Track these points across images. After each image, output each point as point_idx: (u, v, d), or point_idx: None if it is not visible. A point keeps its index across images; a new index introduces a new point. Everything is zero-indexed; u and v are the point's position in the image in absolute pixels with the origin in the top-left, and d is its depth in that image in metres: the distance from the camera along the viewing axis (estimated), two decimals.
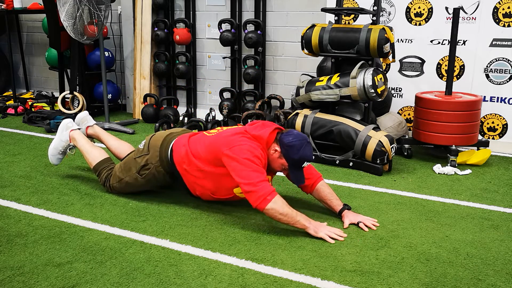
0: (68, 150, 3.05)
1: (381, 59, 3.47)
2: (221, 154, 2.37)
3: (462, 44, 3.86)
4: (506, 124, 3.87)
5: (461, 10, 3.56)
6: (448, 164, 3.41)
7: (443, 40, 3.92)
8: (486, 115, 3.90)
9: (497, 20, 3.73)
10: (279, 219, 2.28)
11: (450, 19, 3.81)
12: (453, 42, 3.49)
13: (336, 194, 2.60)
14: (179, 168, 2.58)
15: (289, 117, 3.67)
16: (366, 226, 2.42)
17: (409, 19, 4.01)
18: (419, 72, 4.07)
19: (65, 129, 3.04)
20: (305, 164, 2.41)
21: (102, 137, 3.13)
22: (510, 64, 3.76)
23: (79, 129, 3.08)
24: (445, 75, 3.95)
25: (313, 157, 2.45)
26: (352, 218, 2.47)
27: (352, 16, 4.23)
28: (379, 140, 3.24)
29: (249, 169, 2.29)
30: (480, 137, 3.86)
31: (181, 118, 4.78)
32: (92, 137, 3.14)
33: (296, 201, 2.79)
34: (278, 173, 3.18)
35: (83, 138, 3.01)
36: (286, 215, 2.26)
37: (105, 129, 4.42)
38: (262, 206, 2.25)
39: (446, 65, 3.91)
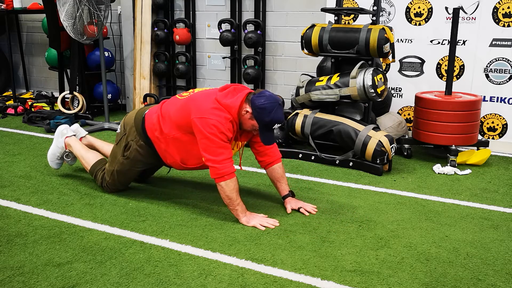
0: (64, 156, 3.09)
1: (381, 59, 3.47)
2: (190, 119, 2.43)
3: (462, 44, 3.86)
4: (506, 124, 3.87)
5: (461, 10, 3.56)
6: (448, 164, 3.41)
7: (443, 40, 3.92)
8: (486, 115, 3.90)
9: (497, 20, 3.73)
10: (223, 198, 2.44)
11: (450, 19, 3.81)
12: (453, 42, 3.49)
13: (286, 180, 2.71)
14: (151, 135, 2.61)
15: (289, 117, 3.68)
16: (306, 211, 2.60)
17: (409, 19, 4.01)
18: (419, 72, 4.07)
19: (60, 136, 3.07)
20: (276, 126, 2.44)
21: (96, 146, 3.16)
22: (510, 64, 3.76)
23: (74, 135, 3.11)
24: (445, 75, 3.95)
25: (284, 119, 2.51)
26: (293, 204, 2.64)
27: (352, 16, 4.23)
28: (379, 140, 3.24)
29: (214, 146, 2.37)
30: (480, 137, 3.86)
31: None
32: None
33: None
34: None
35: (78, 144, 3.04)
36: (230, 199, 2.43)
37: (105, 129, 4.43)
38: (217, 181, 2.41)
39: (446, 65, 3.91)
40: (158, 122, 2.57)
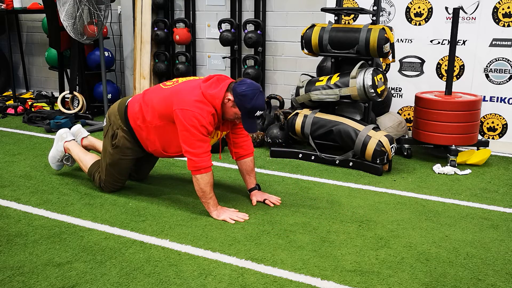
0: (64, 160, 3.11)
1: (381, 59, 3.47)
2: (172, 110, 2.45)
3: (462, 44, 3.86)
4: (506, 124, 3.87)
5: (461, 10, 3.55)
6: (448, 164, 3.41)
7: (443, 40, 3.92)
8: (486, 115, 3.90)
9: (497, 20, 3.73)
10: (197, 190, 2.49)
11: (450, 19, 3.81)
12: (453, 42, 3.49)
13: (255, 174, 2.80)
14: (133, 124, 2.63)
15: (289, 117, 3.67)
16: (271, 202, 2.69)
17: (409, 19, 4.01)
18: (419, 72, 4.07)
19: (60, 140, 3.09)
20: (258, 113, 2.46)
21: (97, 146, 3.16)
22: (510, 64, 3.76)
23: (73, 139, 3.12)
24: (445, 75, 3.95)
25: (265, 106, 2.55)
26: (259, 197, 2.73)
27: (352, 16, 4.23)
28: (379, 140, 3.24)
29: (194, 138, 2.40)
30: (480, 137, 3.86)
31: None
32: (88, 148, 3.17)
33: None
34: (277, 173, 3.17)
35: (77, 148, 3.05)
36: (203, 192, 2.48)
37: None
38: (193, 173, 2.46)
39: (446, 65, 3.91)
40: (140, 111, 2.60)
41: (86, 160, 2.96)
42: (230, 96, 2.45)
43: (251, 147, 2.76)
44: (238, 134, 2.72)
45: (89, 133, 3.23)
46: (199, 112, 2.39)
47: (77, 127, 3.20)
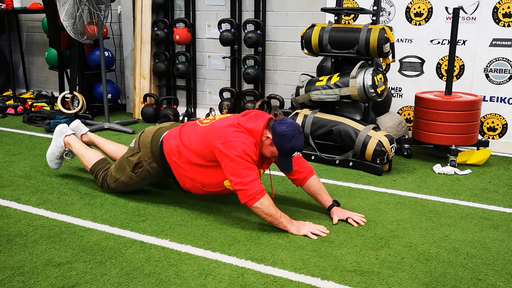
0: (64, 155, 3.07)
1: (381, 59, 3.47)
2: (213, 147, 2.37)
3: (462, 44, 3.86)
4: (506, 124, 3.87)
5: (461, 10, 3.55)
6: (448, 164, 3.41)
7: (443, 40, 3.92)
8: (486, 115, 3.90)
9: (497, 20, 3.73)
10: (264, 217, 2.35)
11: (450, 19, 3.81)
12: (453, 42, 3.49)
13: (326, 189, 2.62)
14: (169, 160, 2.57)
15: (289, 117, 3.68)
16: (355, 221, 2.48)
17: (409, 19, 4.01)
18: (419, 72, 4.07)
19: (59, 135, 3.05)
20: (295, 153, 2.41)
21: (97, 143, 3.14)
22: (510, 64, 3.76)
23: (73, 133, 3.10)
24: (445, 75, 3.95)
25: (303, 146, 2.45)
26: (340, 214, 2.53)
27: (352, 16, 4.23)
28: (379, 140, 3.24)
29: (241, 167, 2.30)
30: (480, 137, 3.86)
31: (181, 118, 4.78)
32: (88, 145, 3.14)
33: (295, 201, 2.79)
34: (279, 173, 3.18)
35: (78, 142, 3.02)
36: (271, 216, 2.33)
37: (105, 129, 4.43)
38: (250, 204, 2.32)
39: (446, 65, 3.91)
40: (177, 147, 2.53)
41: (90, 156, 2.93)
42: (268, 134, 2.38)
43: (308, 167, 2.61)
44: None
45: (88, 129, 3.21)
46: (242, 141, 2.32)
47: (76, 122, 3.15)
